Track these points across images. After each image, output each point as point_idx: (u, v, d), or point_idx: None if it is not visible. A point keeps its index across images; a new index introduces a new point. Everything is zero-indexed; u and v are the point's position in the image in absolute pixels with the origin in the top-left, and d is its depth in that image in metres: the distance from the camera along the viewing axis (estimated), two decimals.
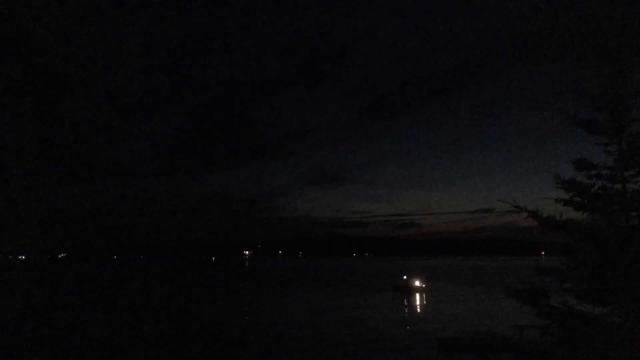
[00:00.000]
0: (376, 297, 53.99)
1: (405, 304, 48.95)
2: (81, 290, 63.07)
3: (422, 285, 65.35)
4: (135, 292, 61.95)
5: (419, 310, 44.90)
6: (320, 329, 30.32)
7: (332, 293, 60.03)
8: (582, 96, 8.63)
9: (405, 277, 68.27)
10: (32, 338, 26.41)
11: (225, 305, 46.76)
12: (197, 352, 23.12)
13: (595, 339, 7.26)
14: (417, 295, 58.31)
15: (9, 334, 28.32)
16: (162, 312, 39.50)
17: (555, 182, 8.54)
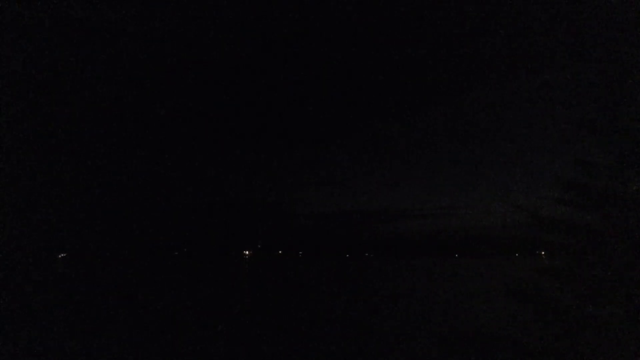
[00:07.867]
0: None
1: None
2: (87, 292, 63.23)
3: None
4: (134, 293, 62.12)
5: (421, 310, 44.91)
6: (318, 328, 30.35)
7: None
8: (583, 96, 8.65)
9: None
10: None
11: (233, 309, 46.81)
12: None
13: (595, 339, 7.27)
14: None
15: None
16: (168, 312, 39.57)
17: (555, 182, 8.55)
